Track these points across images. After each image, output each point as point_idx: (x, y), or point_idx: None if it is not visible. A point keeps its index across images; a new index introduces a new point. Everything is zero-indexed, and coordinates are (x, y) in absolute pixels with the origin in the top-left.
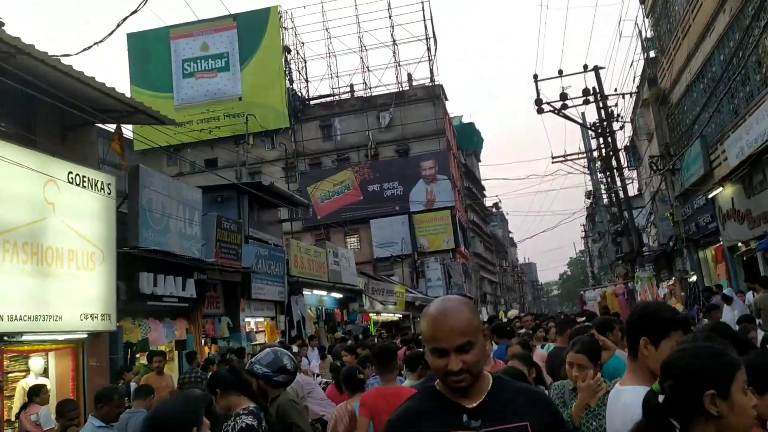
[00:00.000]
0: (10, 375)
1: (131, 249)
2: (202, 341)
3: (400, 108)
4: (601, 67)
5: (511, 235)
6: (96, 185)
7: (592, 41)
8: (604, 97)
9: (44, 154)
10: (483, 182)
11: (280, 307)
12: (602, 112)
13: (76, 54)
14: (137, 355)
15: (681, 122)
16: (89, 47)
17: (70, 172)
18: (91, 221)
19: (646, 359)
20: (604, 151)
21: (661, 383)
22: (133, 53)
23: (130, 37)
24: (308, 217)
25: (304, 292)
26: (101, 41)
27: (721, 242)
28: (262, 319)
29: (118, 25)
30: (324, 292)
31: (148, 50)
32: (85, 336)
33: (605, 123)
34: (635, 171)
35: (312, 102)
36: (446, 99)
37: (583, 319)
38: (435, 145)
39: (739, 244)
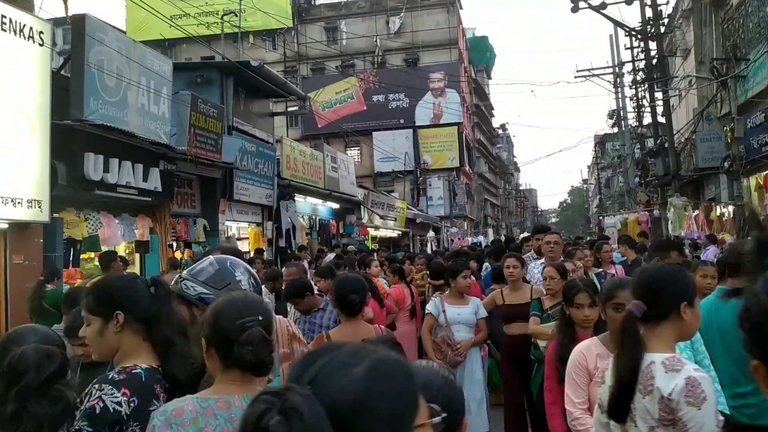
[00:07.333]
0: None
1: (74, 122)
2: (174, 245)
3: (411, 13)
4: None
5: (515, 158)
6: (21, 30)
7: None
8: None
9: None
10: (493, 101)
11: (268, 213)
12: (648, 10)
13: None
14: (83, 255)
15: (742, 26)
16: None
17: None
18: (13, 78)
19: None
20: (644, 62)
21: None
22: None
23: None
24: (305, 115)
25: (296, 198)
26: None
27: None
28: (246, 225)
29: None
30: (319, 201)
31: None
32: (6, 226)
33: (650, 24)
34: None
35: (317, 1)
36: (461, 7)
37: None
38: (446, 57)
39: None
